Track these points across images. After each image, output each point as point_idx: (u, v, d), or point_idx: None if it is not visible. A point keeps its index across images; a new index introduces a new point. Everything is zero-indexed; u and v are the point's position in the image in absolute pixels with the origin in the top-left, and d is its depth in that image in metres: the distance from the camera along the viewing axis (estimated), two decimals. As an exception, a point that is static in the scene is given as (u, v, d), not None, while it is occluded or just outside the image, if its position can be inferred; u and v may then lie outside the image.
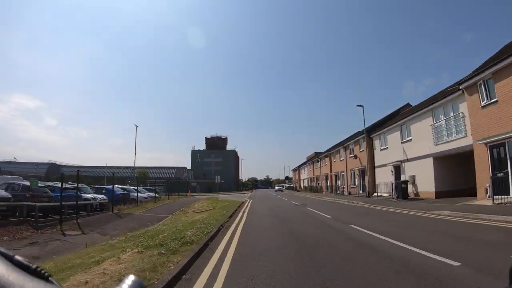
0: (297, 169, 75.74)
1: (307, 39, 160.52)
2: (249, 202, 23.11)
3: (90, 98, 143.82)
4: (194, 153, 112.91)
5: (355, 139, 30.07)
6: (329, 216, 12.08)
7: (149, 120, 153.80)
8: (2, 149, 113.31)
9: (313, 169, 52.47)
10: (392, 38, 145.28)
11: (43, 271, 0.56)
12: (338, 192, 34.90)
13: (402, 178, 20.24)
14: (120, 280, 0.57)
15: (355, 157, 29.01)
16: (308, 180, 59.24)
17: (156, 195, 27.68)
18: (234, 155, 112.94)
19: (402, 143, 21.46)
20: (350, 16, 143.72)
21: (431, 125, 18.02)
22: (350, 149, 31.72)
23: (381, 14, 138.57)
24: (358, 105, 24.65)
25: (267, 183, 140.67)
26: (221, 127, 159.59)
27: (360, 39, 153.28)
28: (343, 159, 34.27)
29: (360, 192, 27.66)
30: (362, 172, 28.04)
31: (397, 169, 22.03)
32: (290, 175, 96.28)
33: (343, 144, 34.58)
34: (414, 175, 19.52)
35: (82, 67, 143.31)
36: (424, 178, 18.51)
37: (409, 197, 18.36)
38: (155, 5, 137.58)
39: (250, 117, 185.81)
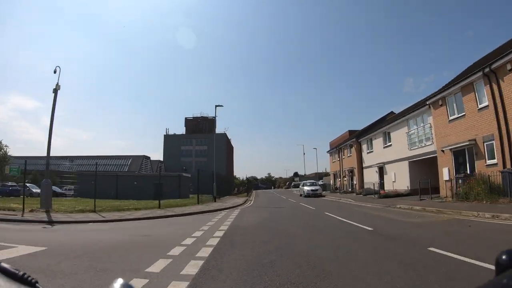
0: (353, 144, 32.40)
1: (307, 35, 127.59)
2: None
3: (89, 99, 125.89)
4: (168, 139, 76.73)
5: None
6: None
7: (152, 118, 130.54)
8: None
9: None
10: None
11: (30, 278, 0.55)
12: None
13: None
14: None
15: None
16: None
17: None
18: (224, 141, 75.19)
19: None
20: (349, 10, 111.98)
21: None
22: None
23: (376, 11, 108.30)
24: None
25: (269, 182, 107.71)
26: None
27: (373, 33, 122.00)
28: None
29: None
30: None
31: None
32: (324, 166, 60.91)
33: None
34: None
35: (79, 67, 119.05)
36: None
37: None
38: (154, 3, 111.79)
39: (247, 112, 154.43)
